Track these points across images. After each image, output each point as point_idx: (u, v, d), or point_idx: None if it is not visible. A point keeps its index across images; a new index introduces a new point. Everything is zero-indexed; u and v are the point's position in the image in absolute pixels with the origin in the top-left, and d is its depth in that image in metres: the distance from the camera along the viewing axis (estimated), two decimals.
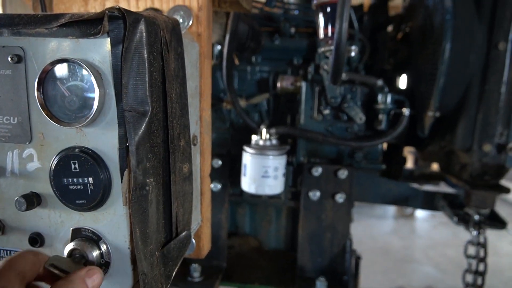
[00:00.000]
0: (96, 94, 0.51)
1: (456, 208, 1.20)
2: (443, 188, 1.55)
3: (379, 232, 4.26)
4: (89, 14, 0.50)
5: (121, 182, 0.54)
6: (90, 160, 0.53)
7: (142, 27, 0.52)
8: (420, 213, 4.34)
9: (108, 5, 0.79)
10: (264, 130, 1.21)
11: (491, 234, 1.24)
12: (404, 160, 1.41)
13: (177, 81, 0.62)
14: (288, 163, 1.29)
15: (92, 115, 0.51)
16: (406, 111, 1.15)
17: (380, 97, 1.16)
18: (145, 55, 0.53)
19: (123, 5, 0.78)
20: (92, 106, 0.51)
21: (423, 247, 3.77)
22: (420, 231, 4.14)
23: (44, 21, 0.52)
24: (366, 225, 4.26)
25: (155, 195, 0.59)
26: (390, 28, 1.40)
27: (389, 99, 1.15)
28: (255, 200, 1.40)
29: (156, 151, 0.58)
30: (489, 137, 1.04)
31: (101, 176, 0.53)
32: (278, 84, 1.27)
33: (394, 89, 1.28)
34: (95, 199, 0.54)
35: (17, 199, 0.55)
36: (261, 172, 1.18)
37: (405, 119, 1.15)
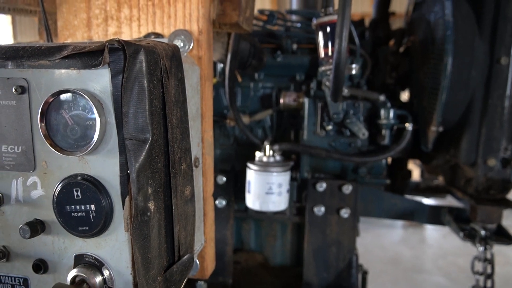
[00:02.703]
0: (97, 123, 0.52)
1: (463, 223, 1.19)
2: (450, 201, 1.54)
3: (388, 242, 4.21)
4: (90, 46, 0.51)
5: (123, 208, 0.55)
6: (92, 187, 0.54)
7: (141, 57, 0.53)
8: None
9: (111, 31, 0.80)
10: (267, 147, 1.22)
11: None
12: (409, 174, 1.40)
13: (177, 106, 0.63)
14: (292, 179, 1.29)
15: (93, 143, 0.52)
16: (409, 126, 1.15)
17: (382, 112, 1.16)
18: (145, 84, 0.54)
19: (125, 30, 0.80)
20: (93, 134, 0.52)
21: (433, 256, 3.71)
22: (429, 240, 4.09)
23: (47, 53, 0.53)
24: (375, 235, 4.22)
25: (157, 220, 0.59)
26: (392, 42, 1.41)
27: (391, 114, 1.16)
28: (260, 216, 1.40)
29: (157, 177, 0.58)
30: (494, 152, 1.03)
31: (103, 203, 0.54)
32: (281, 100, 1.28)
33: (397, 103, 1.28)
34: (97, 225, 0.55)
35: (21, 226, 0.56)
36: (265, 188, 1.18)
37: (408, 134, 1.14)
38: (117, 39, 0.50)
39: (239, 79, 1.33)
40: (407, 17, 1.39)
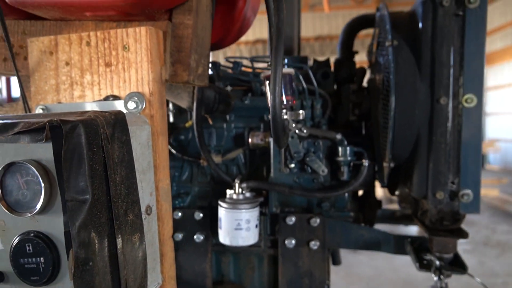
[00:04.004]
0: (42, 188, 0.62)
1: (425, 252, 1.24)
2: None
3: (400, 263, 4.16)
4: (36, 123, 0.61)
5: (68, 259, 0.64)
6: (41, 242, 0.63)
7: (79, 131, 0.63)
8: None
9: (76, 94, 0.91)
10: (237, 185, 1.30)
11: None
12: (378, 204, 1.46)
13: (122, 165, 0.73)
14: (263, 214, 1.37)
15: (40, 206, 0.62)
16: (365, 162, 1.22)
17: (340, 150, 1.24)
18: (84, 153, 0.63)
19: (88, 94, 0.91)
20: (40, 198, 0.62)
21: (448, 280, 3.65)
22: None
23: (2, 129, 0.64)
24: (386, 256, 4.19)
25: (101, 267, 0.68)
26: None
27: (348, 151, 1.23)
28: (238, 249, 1.47)
29: (100, 230, 0.67)
30: (441, 185, 1.09)
31: (50, 255, 0.63)
32: (249, 140, 1.37)
33: (360, 140, 1.36)
34: (46, 275, 0.64)
35: None
36: (234, 225, 1.26)
37: (365, 170, 1.22)
38: (55, 118, 0.61)
39: (210, 122, 1.43)
40: (370, 55, 1.48)
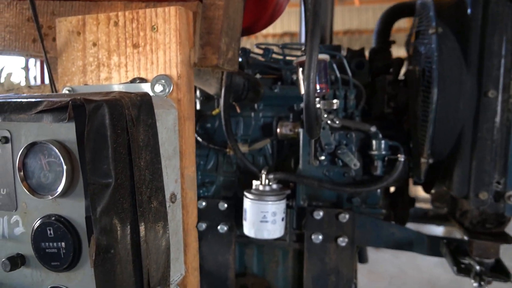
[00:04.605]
0: (64, 170, 0.59)
1: (462, 255, 1.16)
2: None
3: (424, 263, 4.03)
4: (59, 102, 0.58)
5: (89, 246, 0.61)
6: (62, 227, 0.61)
7: (103, 111, 0.60)
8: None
9: (102, 76, 0.89)
10: (263, 176, 1.26)
11: None
12: (411, 202, 1.38)
13: (147, 150, 0.69)
14: (289, 207, 1.32)
15: (61, 188, 0.59)
16: (401, 157, 1.15)
17: (374, 143, 1.17)
18: (108, 134, 0.60)
19: (115, 76, 0.88)
20: (61, 180, 0.59)
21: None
22: None
23: (26, 108, 0.61)
24: (409, 255, 4.08)
25: (123, 255, 0.65)
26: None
27: (383, 145, 1.16)
28: (262, 242, 1.43)
29: (122, 216, 0.64)
30: (485, 185, 1.01)
31: (71, 241, 0.61)
32: (278, 130, 1.32)
33: (396, 133, 1.29)
34: (67, 261, 0.61)
35: (3, 261, 0.63)
36: (260, 217, 1.21)
37: (401, 165, 1.15)
38: (79, 97, 0.57)
39: (238, 110, 1.39)
40: (407, 46, 1.40)
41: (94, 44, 0.89)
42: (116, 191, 0.62)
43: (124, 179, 0.64)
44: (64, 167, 0.59)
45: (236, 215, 1.42)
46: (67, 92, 0.89)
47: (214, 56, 0.89)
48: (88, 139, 0.59)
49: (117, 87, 0.86)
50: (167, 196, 0.78)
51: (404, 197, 1.36)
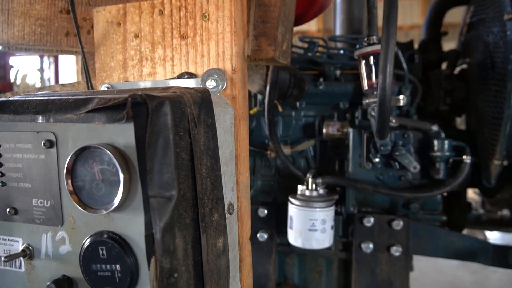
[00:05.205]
0: (121, 180, 0.50)
1: None
2: None
3: (446, 265, 3.88)
4: (114, 100, 0.49)
5: (148, 269, 0.52)
6: (117, 246, 0.51)
7: (166, 109, 0.50)
8: (493, 241, 3.93)
9: (145, 72, 0.79)
10: (310, 180, 1.16)
11: None
12: (468, 207, 1.27)
13: (208, 154, 0.60)
14: (337, 213, 1.22)
15: (117, 201, 0.50)
16: (467, 158, 1.03)
17: (436, 144, 1.06)
18: (171, 137, 0.51)
19: (160, 71, 0.79)
20: (117, 192, 0.50)
21: (499, 283, 3.35)
22: None
23: (74, 107, 0.52)
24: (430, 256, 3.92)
25: (186, 279, 0.55)
26: (444, 66, 1.30)
27: (446, 145, 1.05)
28: (304, 251, 1.32)
29: (185, 233, 0.55)
30: None
31: (128, 262, 0.51)
32: (324, 130, 1.22)
33: (452, 132, 1.17)
34: (123, 286, 0.52)
35: (48, 284, 0.54)
36: (308, 225, 1.11)
37: (467, 168, 1.03)
38: (139, 93, 0.48)
39: (280, 109, 1.29)
40: (462, 37, 1.28)
41: (136, 36, 0.79)
42: (179, 204, 0.52)
43: (187, 189, 0.54)
44: (121, 176, 0.49)
45: (276, 222, 1.32)
46: (105, 89, 0.80)
47: (270, 48, 0.79)
48: (150, 143, 0.49)
49: (162, 84, 0.77)
50: (225, 206, 0.69)
51: (461, 201, 1.25)
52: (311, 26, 10.01)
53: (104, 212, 0.51)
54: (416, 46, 1.39)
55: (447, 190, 1.05)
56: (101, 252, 0.52)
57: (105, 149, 0.49)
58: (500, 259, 1.12)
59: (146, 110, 0.49)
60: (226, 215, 0.68)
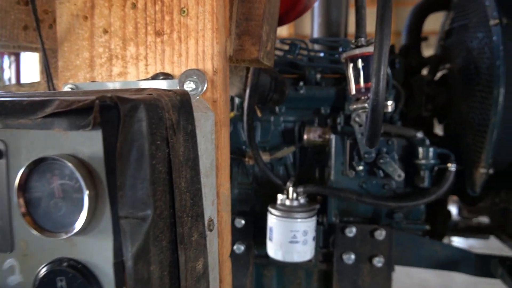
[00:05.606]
0: (85, 197, 0.42)
1: None
2: (494, 243, 1.37)
3: (413, 269, 3.97)
4: (79, 102, 0.41)
5: None
6: (80, 277, 0.43)
7: (141, 114, 0.43)
8: (457, 245, 4.03)
9: (115, 71, 0.71)
10: (291, 189, 1.10)
11: None
12: (449, 215, 1.25)
13: (187, 166, 0.52)
14: (318, 223, 1.16)
15: (81, 223, 0.42)
16: (451, 166, 1.01)
17: (421, 151, 1.03)
18: (146, 147, 0.43)
19: (131, 70, 0.70)
20: (80, 211, 0.42)
21: (464, 285, 3.43)
22: None
23: (29, 110, 0.44)
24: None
25: None
26: (425, 71, 1.28)
27: (431, 153, 1.02)
28: (284, 263, 1.26)
29: (161, 258, 0.47)
30: None
31: None
32: (305, 137, 1.16)
33: (433, 138, 1.15)
34: None
35: None
36: (289, 237, 1.05)
37: (451, 176, 1.01)
38: (109, 95, 0.40)
39: (259, 114, 1.22)
40: (441, 43, 1.26)
41: (105, 31, 0.71)
42: (155, 225, 0.45)
43: (164, 207, 0.47)
44: (85, 193, 0.41)
45: (254, 232, 1.25)
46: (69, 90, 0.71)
47: (254, 48, 0.73)
48: (122, 154, 0.41)
49: (134, 85, 0.69)
50: (205, 223, 0.62)
51: (443, 209, 1.23)
52: (282, 31, 10.06)
53: (65, 236, 0.43)
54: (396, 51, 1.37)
55: (432, 199, 1.02)
56: (59, 283, 0.44)
57: (66, 161, 0.41)
58: (482, 268, 1.10)
59: (118, 115, 0.41)
60: (206, 232, 0.61)
